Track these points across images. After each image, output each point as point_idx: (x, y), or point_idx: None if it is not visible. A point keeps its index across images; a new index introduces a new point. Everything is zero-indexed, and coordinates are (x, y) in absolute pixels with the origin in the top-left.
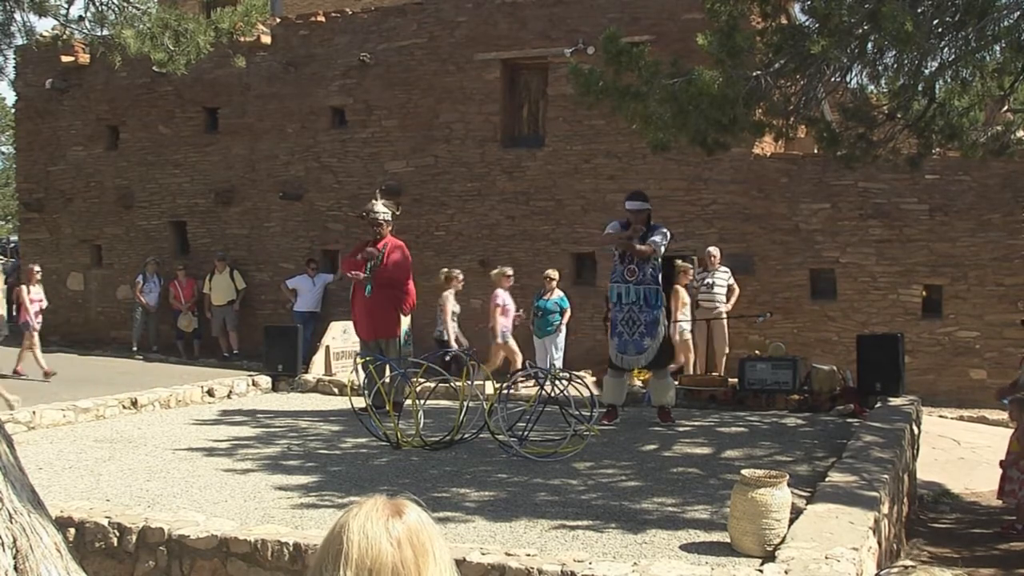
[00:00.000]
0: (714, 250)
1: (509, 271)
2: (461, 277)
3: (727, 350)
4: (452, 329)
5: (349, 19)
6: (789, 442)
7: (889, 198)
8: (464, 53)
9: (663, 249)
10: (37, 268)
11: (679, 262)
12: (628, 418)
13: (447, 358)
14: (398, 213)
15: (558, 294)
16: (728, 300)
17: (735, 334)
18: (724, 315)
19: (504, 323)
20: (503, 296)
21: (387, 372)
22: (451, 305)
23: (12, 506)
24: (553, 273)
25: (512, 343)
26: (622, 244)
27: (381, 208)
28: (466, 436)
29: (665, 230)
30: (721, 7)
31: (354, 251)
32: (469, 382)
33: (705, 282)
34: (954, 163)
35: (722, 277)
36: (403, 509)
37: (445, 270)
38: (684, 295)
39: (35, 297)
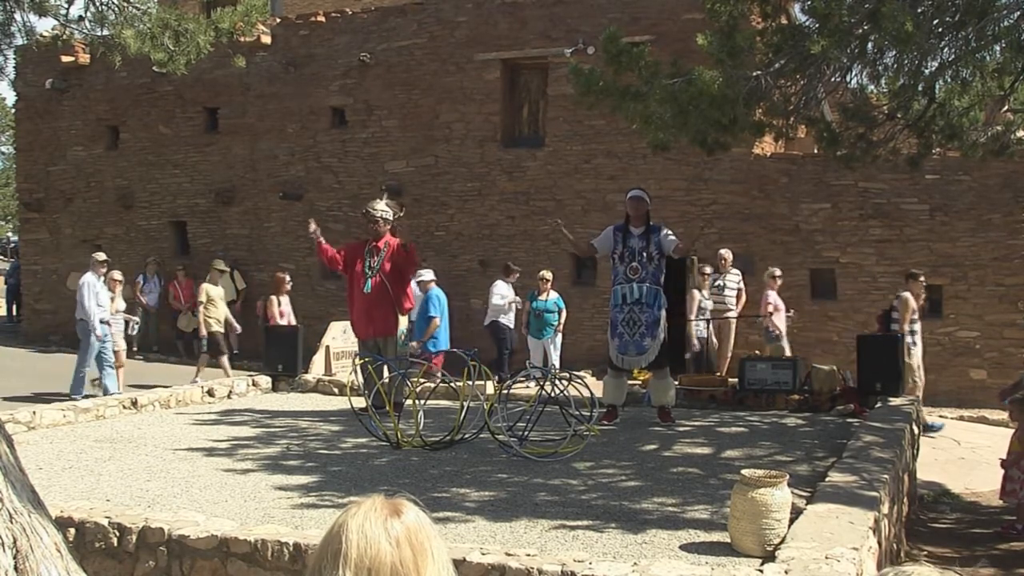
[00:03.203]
0: (726, 253)
1: (777, 272)
2: (708, 271)
3: (730, 352)
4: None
5: (349, 19)
6: (789, 442)
7: (889, 198)
8: (464, 53)
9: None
10: (288, 278)
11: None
12: (628, 418)
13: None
14: (400, 214)
15: (554, 295)
16: (737, 304)
17: (735, 334)
18: (732, 316)
19: (779, 324)
20: (774, 297)
21: (386, 372)
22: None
23: (12, 506)
24: (547, 274)
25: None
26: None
27: (382, 207)
28: (466, 436)
29: (669, 231)
30: (721, 7)
31: (356, 245)
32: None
33: (716, 284)
34: (954, 163)
35: (733, 280)
36: (401, 509)
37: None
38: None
39: (285, 309)
